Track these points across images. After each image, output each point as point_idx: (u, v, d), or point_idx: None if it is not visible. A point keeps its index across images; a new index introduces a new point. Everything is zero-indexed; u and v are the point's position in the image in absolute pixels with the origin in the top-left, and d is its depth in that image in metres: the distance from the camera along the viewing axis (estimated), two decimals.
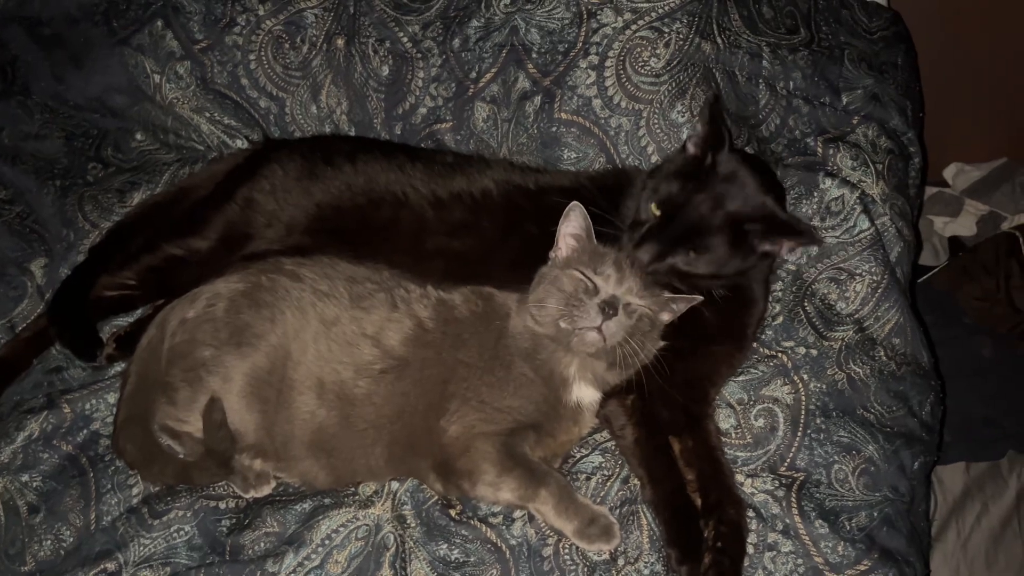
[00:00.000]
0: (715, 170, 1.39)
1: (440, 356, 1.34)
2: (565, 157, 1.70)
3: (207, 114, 1.90)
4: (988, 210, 2.61)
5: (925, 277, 2.47)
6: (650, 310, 1.29)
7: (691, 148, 1.44)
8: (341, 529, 1.28)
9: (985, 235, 2.54)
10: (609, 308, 1.24)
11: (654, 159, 1.66)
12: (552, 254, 1.34)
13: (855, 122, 1.71)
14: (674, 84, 1.64)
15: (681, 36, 1.65)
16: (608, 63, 1.66)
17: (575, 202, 1.30)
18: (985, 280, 2.38)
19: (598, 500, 1.32)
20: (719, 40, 1.67)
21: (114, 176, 1.85)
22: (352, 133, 1.86)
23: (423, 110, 1.80)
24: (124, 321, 1.62)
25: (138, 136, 1.93)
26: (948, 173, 2.76)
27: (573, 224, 1.32)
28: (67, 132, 1.94)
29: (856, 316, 1.48)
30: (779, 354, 1.44)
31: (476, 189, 1.55)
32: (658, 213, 1.38)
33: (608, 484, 1.34)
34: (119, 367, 1.54)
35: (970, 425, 2.09)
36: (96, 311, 1.60)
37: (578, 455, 1.39)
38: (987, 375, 2.21)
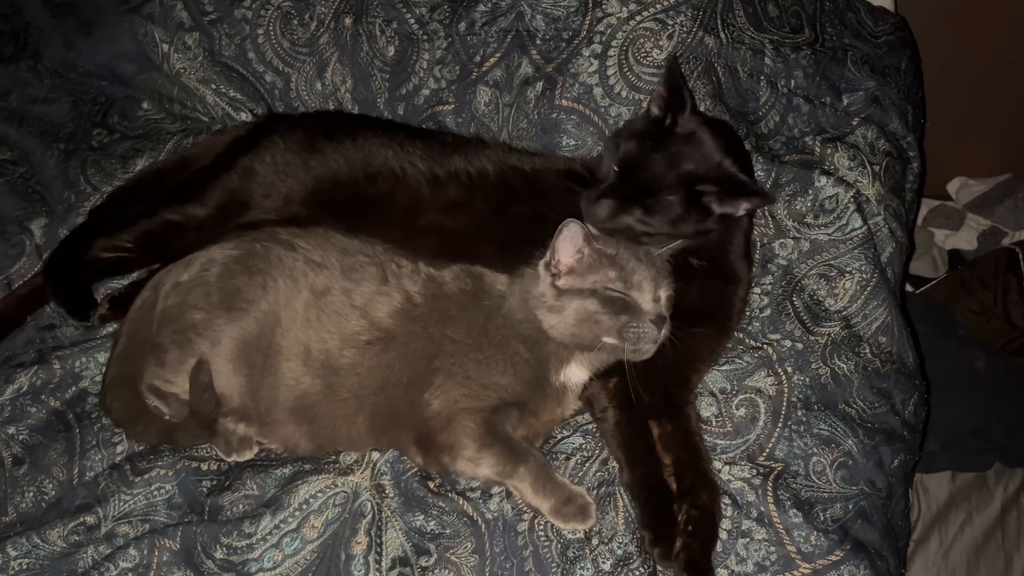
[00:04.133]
0: (674, 130, 1.41)
1: (427, 331, 1.35)
2: (564, 144, 1.71)
3: (213, 86, 1.92)
4: (989, 225, 2.61)
5: (923, 288, 2.47)
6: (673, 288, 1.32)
7: (653, 109, 1.46)
8: (319, 495, 1.29)
9: (985, 250, 2.54)
10: (661, 320, 1.27)
11: None
12: (552, 270, 1.30)
13: (855, 123, 1.71)
14: None
15: (685, 29, 1.66)
16: (611, 52, 1.68)
17: (570, 219, 1.27)
18: (983, 294, 2.39)
19: (576, 480, 1.32)
20: (723, 35, 1.68)
21: (118, 143, 1.87)
22: (355, 111, 1.87)
23: (426, 91, 1.81)
24: (119, 283, 1.63)
25: (144, 105, 1.95)
26: (951, 187, 2.76)
27: (574, 240, 1.28)
28: (75, 98, 1.96)
29: (844, 313, 1.49)
30: (764, 346, 1.44)
31: (473, 169, 1.56)
32: (616, 171, 1.40)
33: (587, 465, 1.34)
34: (111, 327, 1.56)
35: (958, 435, 2.10)
36: (92, 272, 1.61)
37: (559, 436, 1.40)
38: (979, 388, 2.20)
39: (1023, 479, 2.05)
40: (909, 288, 2.47)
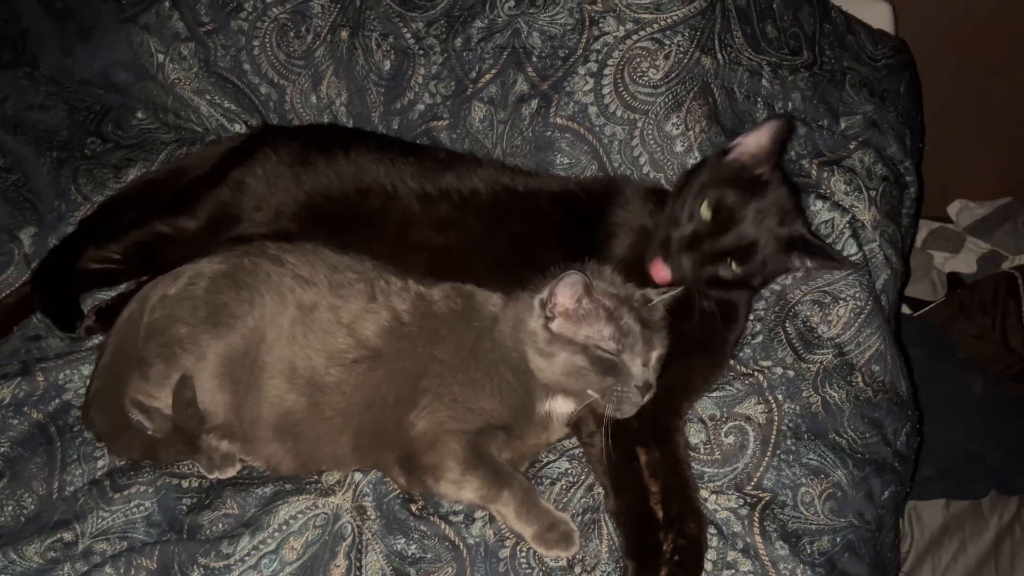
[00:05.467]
0: (768, 186, 1.38)
1: (415, 350, 1.34)
2: (558, 162, 1.70)
3: (208, 96, 1.91)
4: (989, 248, 2.60)
5: (921, 311, 2.46)
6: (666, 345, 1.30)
7: (741, 157, 1.40)
8: (299, 516, 1.27)
9: (985, 273, 2.52)
10: (647, 387, 1.25)
11: (646, 169, 1.65)
12: (548, 313, 1.26)
13: (852, 147, 1.70)
14: (671, 96, 1.64)
15: (682, 49, 1.65)
16: (607, 71, 1.66)
17: (569, 271, 1.23)
18: (981, 318, 2.37)
19: (561, 506, 1.30)
20: (720, 56, 1.67)
21: (112, 152, 1.87)
22: (350, 125, 1.87)
23: (421, 107, 1.80)
24: (107, 295, 1.62)
25: (139, 114, 1.95)
26: (952, 209, 2.75)
27: (573, 290, 1.24)
28: (70, 106, 1.96)
29: (837, 340, 1.47)
30: (755, 373, 1.43)
31: (465, 187, 1.55)
32: (708, 216, 1.36)
33: (572, 491, 1.32)
34: (97, 339, 1.54)
35: (954, 461, 2.07)
36: (80, 283, 1.61)
37: (545, 460, 1.38)
38: (976, 413, 2.18)
39: (1018, 507, 2.03)
40: (907, 311, 2.46)
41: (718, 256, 1.36)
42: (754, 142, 1.40)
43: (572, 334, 1.25)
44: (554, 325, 1.26)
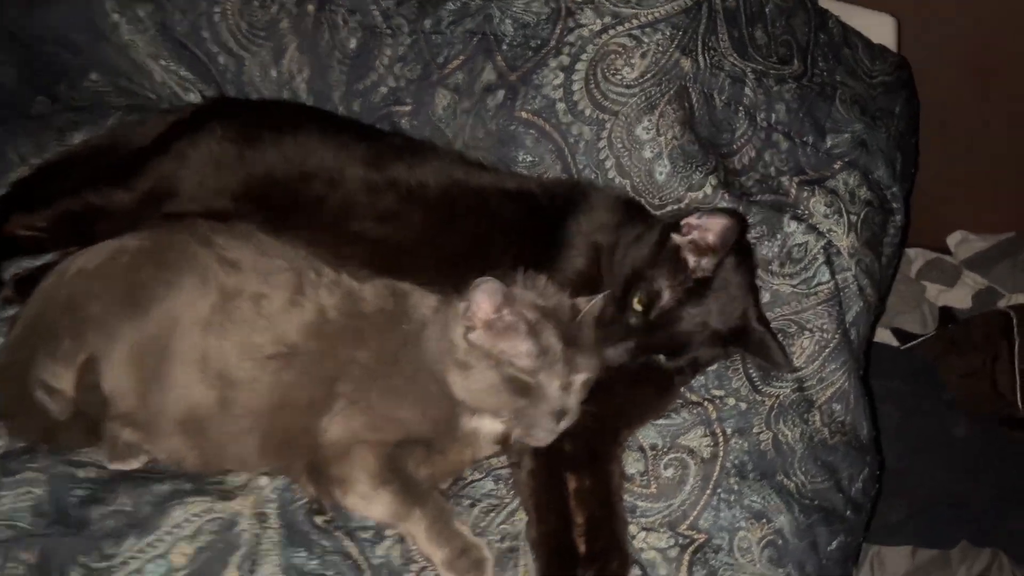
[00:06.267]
0: (710, 285, 1.28)
1: (335, 351, 1.24)
2: (520, 159, 1.59)
3: (162, 62, 1.81)
4: (986, 284, 2.49)
5: (910, 344, 2.36)
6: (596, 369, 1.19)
7: (685, 246, 1.28)
8: (194, 519, 1.17)
9: (979, 309, 2.43)
10: (561, 414, 1.15)
11: (611, 174, 1.55)
12: (466, 322, 1.17)
13: (837, 167, 1.59)
14: (644, 98, 1.53)
15: (660, 48, 1.54)
16: (579, 66, 1.56)
17: (485, 278, 1.13)
18: (972, 356, 2.28)
19: (478, 531, 1.21)
20: (701, 59, 1.56)
21: (59, 113, 1.78)
22: (310, 103, 1.77)
23: (384, 89, 1.71)
24: (32, 263, 1.53)
25: (93, 76, 1.85)
26: (952, 240, 2.64)
27: (492, 299, 1.14)
28: (23, 62, 1.87)
29: (798, 374, 1.36)
30: (705, 402, 1.33)
31: (414, 178, 1.45)
32: (640, 309, 1.28)
33: (492, 514, 1.23)
34: (13, 311, 1.45)
35: (927, 505, 1.98)
36: (4, 249, 1.52)
37: (470, 478, 1.29)
38: (957, 455, 2.09)
39: (990, 560, 1.93)
40: (895, 342, 2.36)
41: (651, 350, 1.29)
42: (700, 234, 1.28)
43: (490, 347, 1.15)
44: (473, 336, 1.16)
